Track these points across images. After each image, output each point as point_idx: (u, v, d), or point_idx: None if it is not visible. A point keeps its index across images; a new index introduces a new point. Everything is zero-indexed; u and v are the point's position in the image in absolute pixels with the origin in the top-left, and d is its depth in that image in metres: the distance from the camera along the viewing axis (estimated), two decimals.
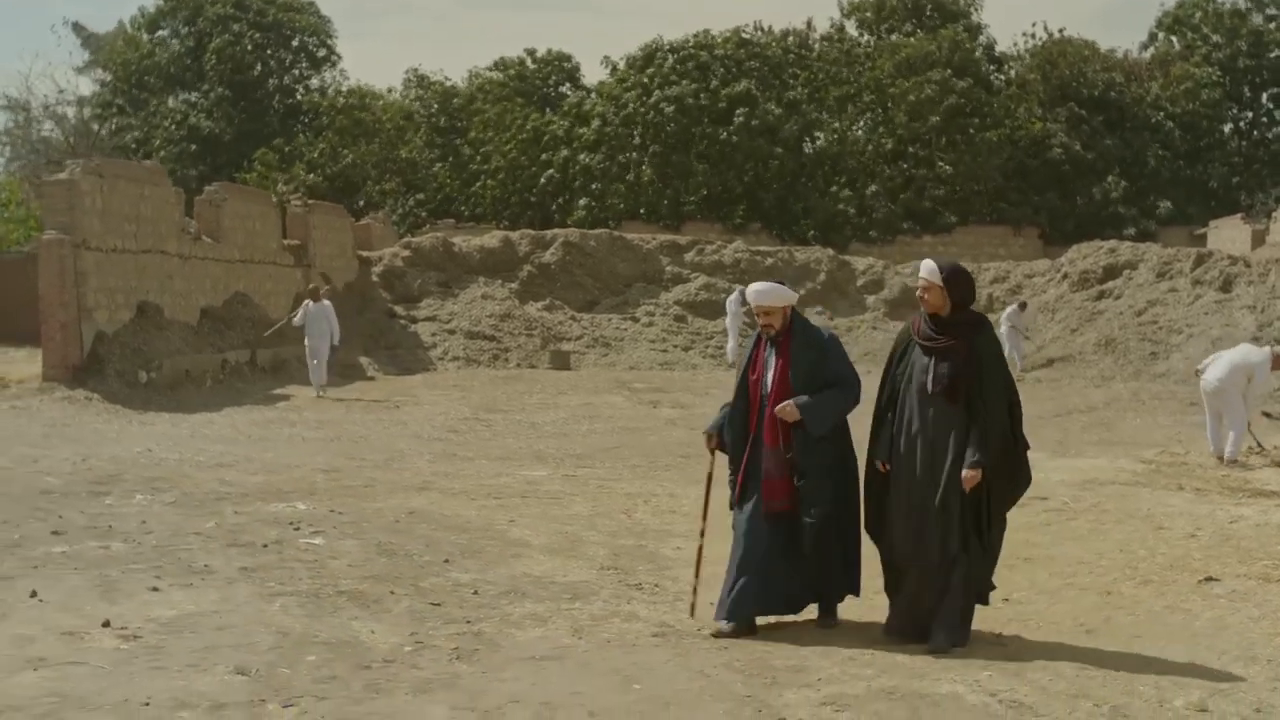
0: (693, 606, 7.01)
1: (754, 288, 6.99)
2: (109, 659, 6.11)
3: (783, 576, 6.75)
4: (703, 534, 7.18)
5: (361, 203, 42.88)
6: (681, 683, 5.80)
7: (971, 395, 6.43)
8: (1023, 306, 27.84)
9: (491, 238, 32.55)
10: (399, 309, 29.68)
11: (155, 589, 7.66)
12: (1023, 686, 5.85)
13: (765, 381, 6.84)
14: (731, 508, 6.95)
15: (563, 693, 5.63)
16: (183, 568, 8.28)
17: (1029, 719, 5.41)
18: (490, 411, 19.45)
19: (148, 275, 20.55)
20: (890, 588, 6.82)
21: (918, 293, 6.73)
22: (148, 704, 5.41)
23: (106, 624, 6.74)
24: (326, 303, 21.10)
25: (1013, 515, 10.50)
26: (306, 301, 21.15)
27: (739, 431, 6.93)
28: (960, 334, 6.56)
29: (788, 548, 6.75)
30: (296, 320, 21.33)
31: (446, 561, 8.58)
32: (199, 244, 22.49)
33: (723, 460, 7.10)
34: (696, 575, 7.07)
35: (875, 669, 6.12)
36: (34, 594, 7.37)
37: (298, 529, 9.65)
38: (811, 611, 7.01)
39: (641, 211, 41.15)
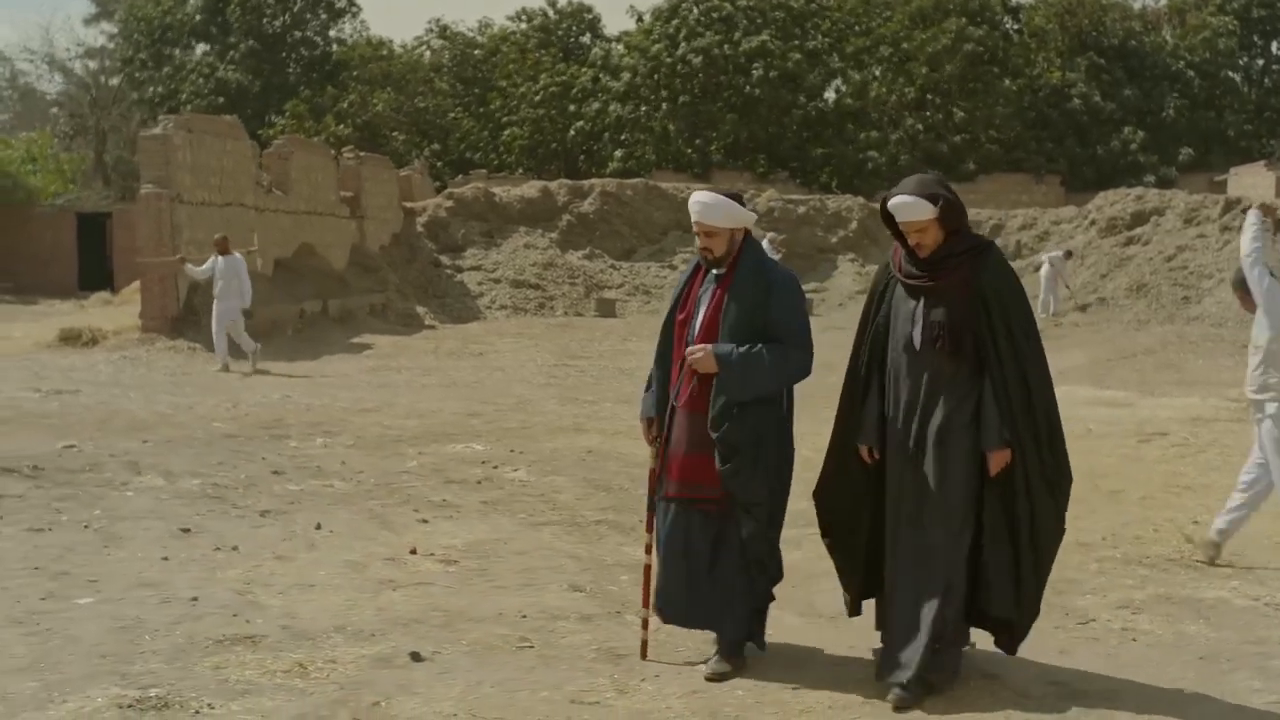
0: (644, 646, 5.42)
1: (695, 198, 5.33)
2: (450, 580, 6.77)
3: (702, 589, 5.25)
4: (650, 549, 5.43)
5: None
6: None
7: (982, 347, 4.82)
8: (1068, 255, 28.57)
9: (530, 187, 33.03)
10: (444, 259, 30.19)
11: (423, 520, 8.32)
12: (1276, 592, 6.60)
13: (694, 325, 5.29)
14: (653, 486, 5.40)
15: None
16: (424, 502, 8.93)
17: None
18: (573, 358, 20.09)
19: (230, 227, 20.95)
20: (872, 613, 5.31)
21: (910, 240, 4.94)
22: (524, 616, 6.08)
23: (413, 551, 7.40)
24: (237, 256, 17.59)
25: (1143, 450, 11.48)
26: (215, 256, 17.54)
27: (662, 387, 5.39)
28: (957, 265, 4.89)
29: (704, 553, 5.22)
30: (198, 272, 17.77)
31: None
32: (270, 196, 22.93)
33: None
34: (646, 604, 5.43)
35: (1135, 580, 6.87)
36: (318, 526, 8.02)
37: (496, 467, 10.31)
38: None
39: (669, 164, 41.67)
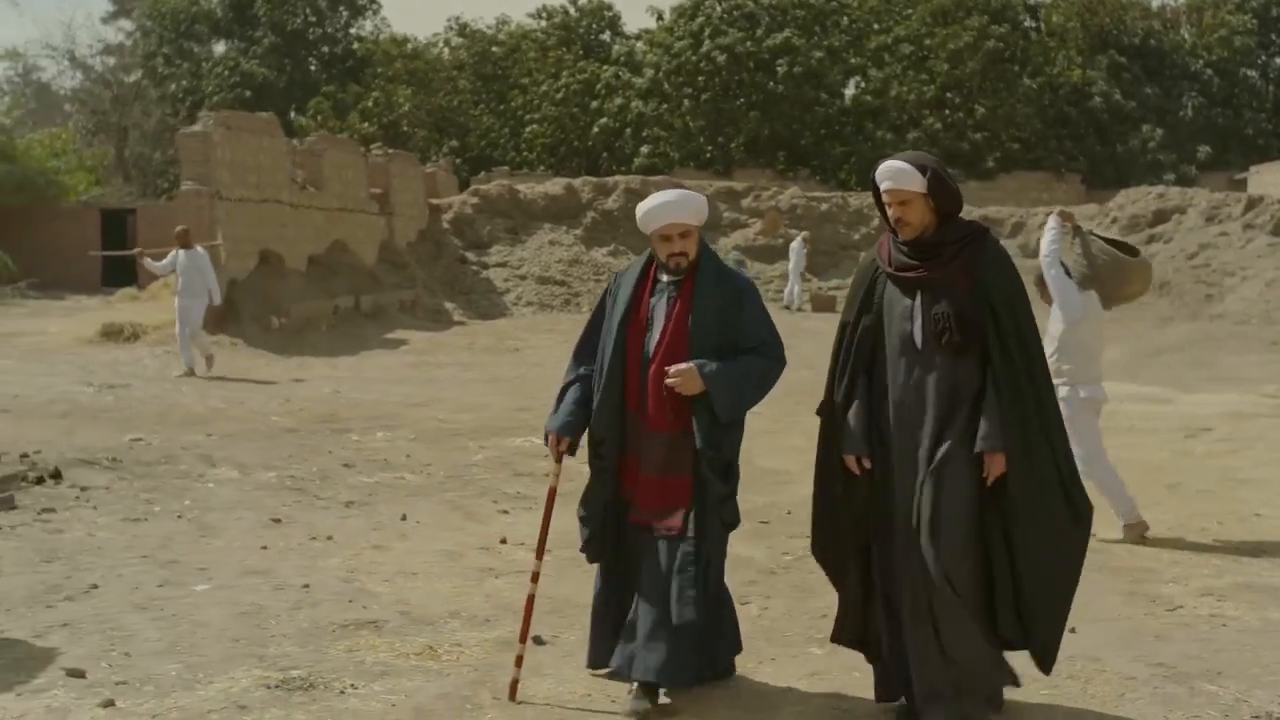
0: (513, 686, 4.87)
1: (662, 198, 4.81)
2: (547, 568, 6.77)
3: (657, 627, 4.76)
4: (536, 578, 5.10)
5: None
6: None
7: (987, 345, 4.42)
8: None
9: (555, 185, 33.21)
10: (470, 255, 30.39)
11: (504, 511, 8.53)
12: None
13: (650, 339, 4.81)
14: (583, 519, 5.10)
15: None
16: (499, 494, 9.14)
17: None
18: None
19: (266, 224, 21.22)
20: (864, 638, 4.81)
21: (891, 214, 4.57)
22: None
23: (504, 541, 7.60)
24: (200, 250, 16.26)
25: (1192, 444, 11.66)
26: (176, 250, 16.23)
27: (613, 409, 4.86)
28: (953, 254, 4.50)
29: (667, 584, 4.75)
30: (159, 267, 16.71)
31: None
32: (304, 193, 23.14)
33: (573, 469, 5.17)
34: (522, 639, 4.99)
35: (1211, 569, 7.06)
36: (404, 517, 8.23)
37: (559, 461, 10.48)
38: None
39: (692, 163, 41.92)
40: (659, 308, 4.82)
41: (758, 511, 8.61)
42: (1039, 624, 4.49)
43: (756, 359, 4.73)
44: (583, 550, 5.08)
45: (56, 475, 9.09)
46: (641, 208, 4.83)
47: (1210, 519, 8.48)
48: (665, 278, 4.85)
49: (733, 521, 4.81)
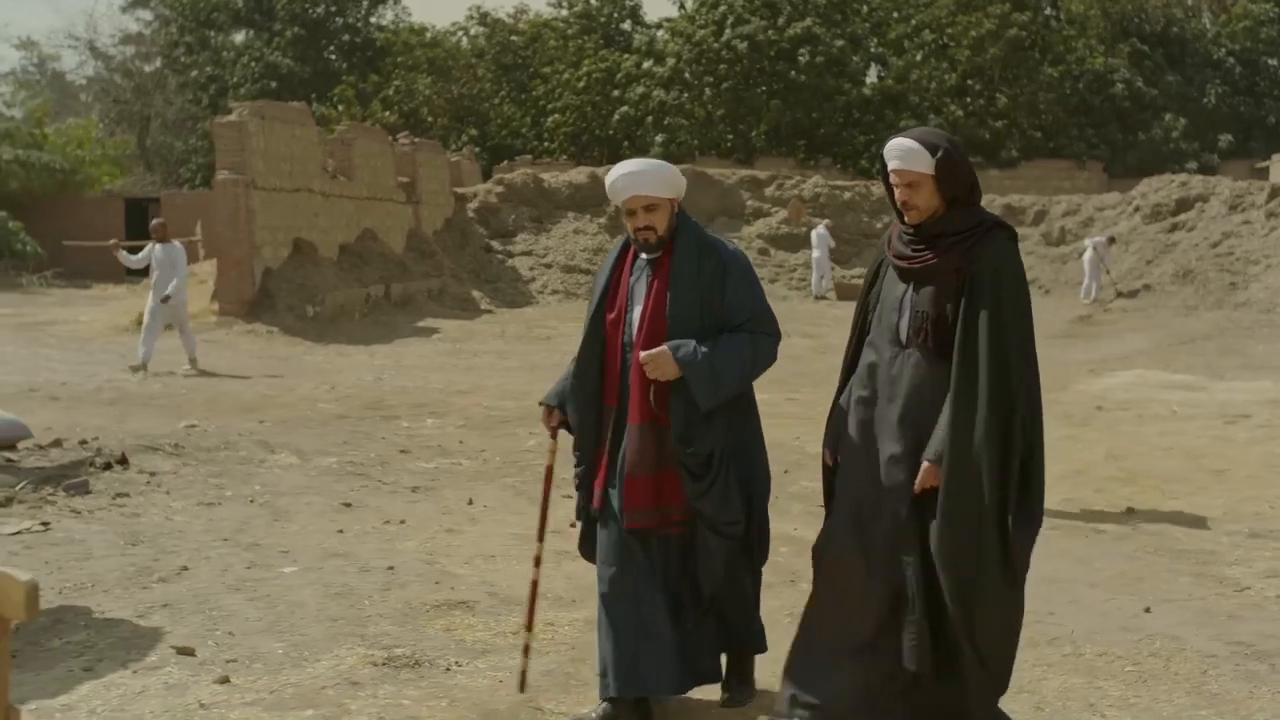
0: (522, 676, 4.74)
1: (623, 169, 4.42)
2: None
3: (671, 632, 4.45)
4: (538, 562, 4.88)
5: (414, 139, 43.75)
6: (1131, 563, 6.85)
7: (964, 344, 3.96)
8: (1111, 240, 28.86)
9: (579, 173, 33.35)
10: (495, 244, 30.56)
11: (567, 495, 8.63)
12: None
13: (630, 322, 4.44)
14: (577, 518, 4.80)
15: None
16: (557, 479, 9.21)
17: None
18: None
19: (299, 213, 21.41)
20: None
21: (896, 196, 4.14)
22: None
23: (573, 524, 7.71)
24: (176, 245, 15.63)
25: (1232, 431, 11.78)
26: (152, 243, 15.67)
27: (587, 400, 4.55)
28: (952, 245, 4.06)
29: (668, 586, 4.48)
30: (135, 260, 16.05)
31: (786, 472, 9.61)
32: (335, 182, 23.31)
33: (567, 448, 4.73)
34: (528, 626, 4.79)
35: (1271, 551, 7.20)
36: (470, 501, 8.39)
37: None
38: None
39: (713, 151, 42.07)
40: (638, 289, 4.45)
41: (813, 496, 8.76)
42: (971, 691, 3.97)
43: (742, 336, 4.34)
44: (579, 549, 4.84)
45: (124, 461, 9.25)
46: (606, 180, 4.51)
47: (1261, 504, 8.61)
48: (644, 256, 4.48)
49: (720, 516, 4.34)
